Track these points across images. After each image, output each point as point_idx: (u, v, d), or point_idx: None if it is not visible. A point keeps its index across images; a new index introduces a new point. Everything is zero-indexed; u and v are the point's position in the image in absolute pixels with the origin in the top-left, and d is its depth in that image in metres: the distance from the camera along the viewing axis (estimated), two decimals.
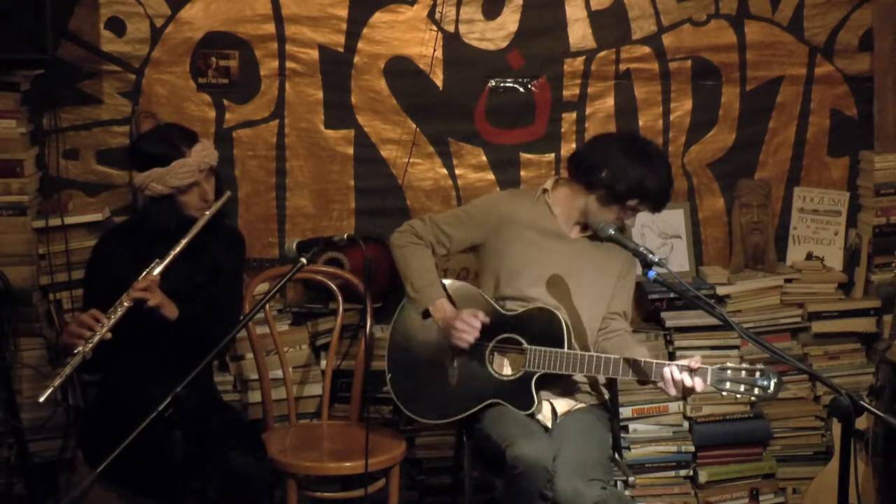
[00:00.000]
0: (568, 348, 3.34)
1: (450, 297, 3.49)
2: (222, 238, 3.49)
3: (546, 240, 3.48)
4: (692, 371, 3.13)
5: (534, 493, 3.16)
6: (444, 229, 3.53)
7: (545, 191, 3.55)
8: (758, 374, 3.08)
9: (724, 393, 3.12)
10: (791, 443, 4.23)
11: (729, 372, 3.11)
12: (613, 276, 3.51)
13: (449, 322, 3.41)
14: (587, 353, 3.32)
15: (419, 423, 3.60)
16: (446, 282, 3.55)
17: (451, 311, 3.44)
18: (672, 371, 3.14)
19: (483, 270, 3.58)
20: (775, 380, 3.07)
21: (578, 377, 3.47)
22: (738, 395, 3.12)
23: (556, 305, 3.42)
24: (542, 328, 3.38)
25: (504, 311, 3.45)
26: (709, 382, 3.12)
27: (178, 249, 3.27)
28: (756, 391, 3.08)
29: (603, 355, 3.30)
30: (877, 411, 2.77)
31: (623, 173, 3.36)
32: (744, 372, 3.10)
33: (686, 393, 3.17)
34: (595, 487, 3.16)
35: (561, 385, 3.46)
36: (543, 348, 3.33)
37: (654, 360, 3.21)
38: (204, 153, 3.38)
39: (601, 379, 3.53)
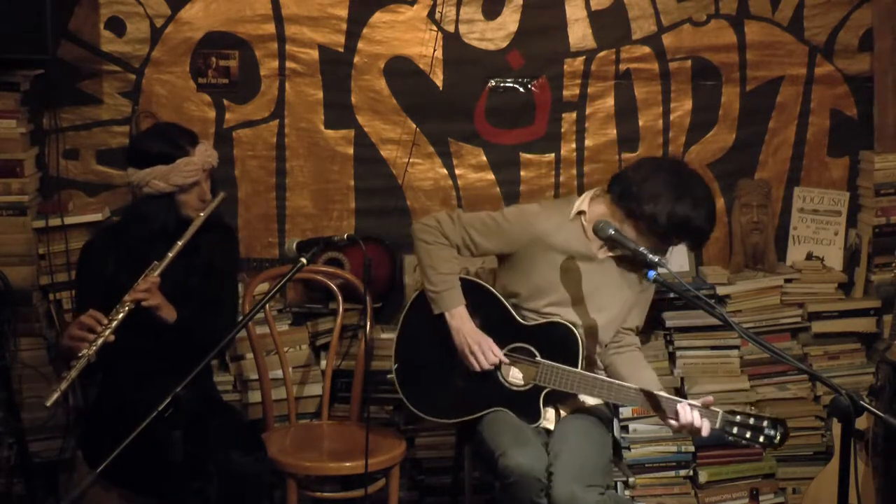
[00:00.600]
0: (581, 367, 3.32)
1: (466, 298, 3.46)
2: (215, 237, 3.49)
3: (575, 263, 3.43)
4: (702, 413, 3.12)
5: (525, 501, 3.16)
6: (473, 236, 3.47)
7: (582, 213, 3.45)
8: (766, 423, 3.10)
9: (731, 438, 3.13)
10: (791, 443, 4.20)
11: (738, 417, 3.12)
12: (634, 292, 3.48)
13: (465, 339, 3.39)
14: (598, 377, 3.30)
15: (421, 420, 3.59)
16: (464, 279, 3.52)
17: (469, 326, 3.41)
18: (684, 410, 3.13)
19: (504, 277, 3.53)
20: (782, 430, 3.09)
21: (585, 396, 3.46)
22: (744, 442, 3.13)
23: (575, 322, 3.40)
24: (556, 343, 3.36)
25: (521, 320, 3.44)
26: (717, 426, 3.12)
27: (177, 250, 3.27)
28: (762, 439, 3.10)
29: (615, 382, 3.28)
30: (877, 411, 2.77)
31: (668, 211, 3.27)
32: (752, 419, 3.12)
33: (692, 433, 3.15)
34: (593, 493, 3.15)
35: (568, 395, 3.43)
36: (556, 365, 3.32)
37: (667, 396, 3.20)
38: (207, 153, 3.40)
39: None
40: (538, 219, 3.46)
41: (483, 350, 3.37)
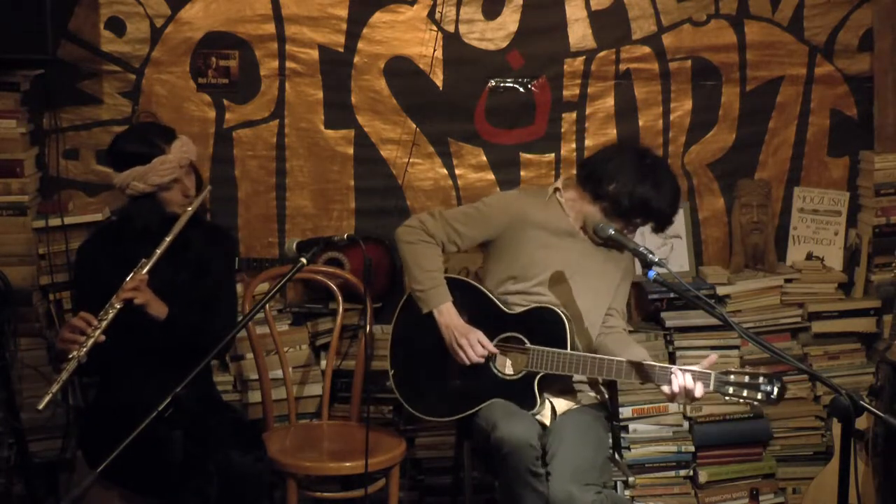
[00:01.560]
0: (570, 348, 3.34)
1: (453, 295, 3.47)
2: (207, 234, 3.49)
3: (558, 239, 3.47)
4: (695, 375, 3.12)
5: (522, 470, 3.16)
6: (456, 227, 3.51)
7: (557, 189, 3.54)
8: (762, 379, 3.07)
9: (728, 398, 3.11)
10: (791, 443, 4.22)
11: (732, 377, 3.11)
12: (618, 275, 3.52)
13: (455, 332, 3.41)
14: (589, 355, 3.31)
15: (421, 421, 3.59)
16: (449, 278, 3.53)
17: (458, 322, 3.43)
18: (676, 375, 3.13)
19: (491, 265, 3.57)
20: (779, 385, 3.07)
21: (578, 376, 3.47)
22: (741, 400, 3.11)
23: (561, 304, 3.41)
24: (544, 327, 3.37)
25: (507, 310, 3.45)
26: (712, 388, 3.11)
27: (164, 247, 3.27)
28: (759, 396, 3.07)
29: (605, 357, 3.29)
30: (877, 411, 2.77)
31: (630, 191, 3.36)
32: (747, 377, 3.09)
33: (688, 396, 3.15)
34: (590, 493, 3.16)
35: (560, 384, 3.46)
36: (546, 348, 3.33)
37: (658, 364, 3.20)
38: (184, 149, 3.39)
39: (601, 378, 3.53)
40: (517, 200, 3.55)
41: (471, 343, 3.39)
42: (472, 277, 3.99)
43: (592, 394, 3.55)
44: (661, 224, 3.48)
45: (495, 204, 3.56)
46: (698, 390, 3.12)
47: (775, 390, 3.07)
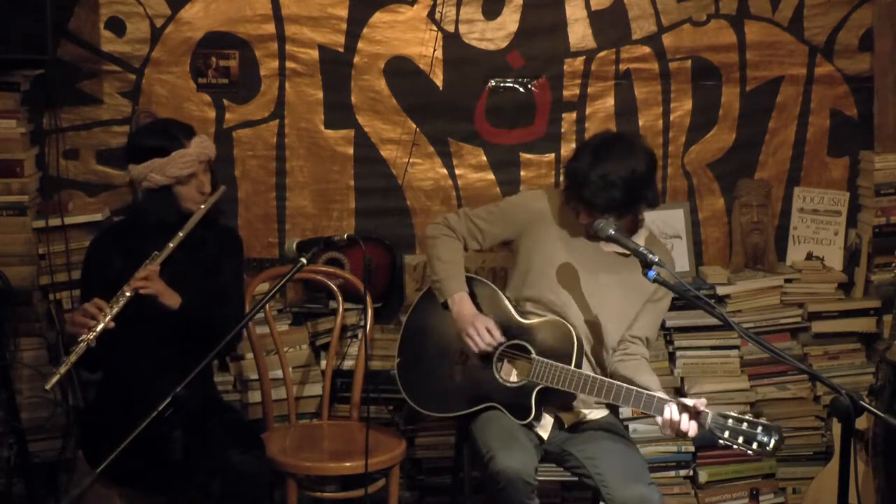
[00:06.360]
0: (575, 365, 3.30)
1: (471, 295, 3.48)
2: (220, 236, 3.50)
3: (578, 245, 3.44)
4: (692, 414, 3.04)
5: None
6: (478, 224, 3.53)
7: None
8: (759, 428, 2.96)
9: (721, 441, 3.00)
10: (791, 443, 4.22)
11: (730, 421, 2.99)
12: (642, 298, 3.44)
13: (464, 320, 3.40)
14: (591, 375, 3.27)
15: (420, 418, 3.59)
16: (470, 277, 3.54)
17: (469, 309, 3.43)
18: (671, 410, 3.07)
19: (513, 267, 3.57)
20: (776, 437, 2.95)
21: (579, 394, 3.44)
22: (735, 447, 2.99)
23: (576, 314, 3.39)
24: (553, 341, 3.35)
25: (519, 318, 3.44)
26: (707, 427, 3.02)
27: (178, 240, 3.28)
28: (754, 446, 2.95)
29: (606, 380, 3.24)
30: (877, 411, 2.76)
31: (567, 167, 3.38)
32: (745, 423, 2.97)
33: (678, 434, 3.09)
34: (655, 491, 3.17)
35: (565, 398, 3.41)
36: (550, 361, 3.30)
37: (656, 395, 3.14)
38: (203, 145, 3.41)
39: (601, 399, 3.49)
40: (539, 199, 3.54)
41: (479, 331, 3.37)
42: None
43: (599, 411, 3.52)
44: (583, 192, 3.29)
45: (517, 202, 3.58)
46: (692, 430, 3.04)
47: (772, 442, 2.94)
